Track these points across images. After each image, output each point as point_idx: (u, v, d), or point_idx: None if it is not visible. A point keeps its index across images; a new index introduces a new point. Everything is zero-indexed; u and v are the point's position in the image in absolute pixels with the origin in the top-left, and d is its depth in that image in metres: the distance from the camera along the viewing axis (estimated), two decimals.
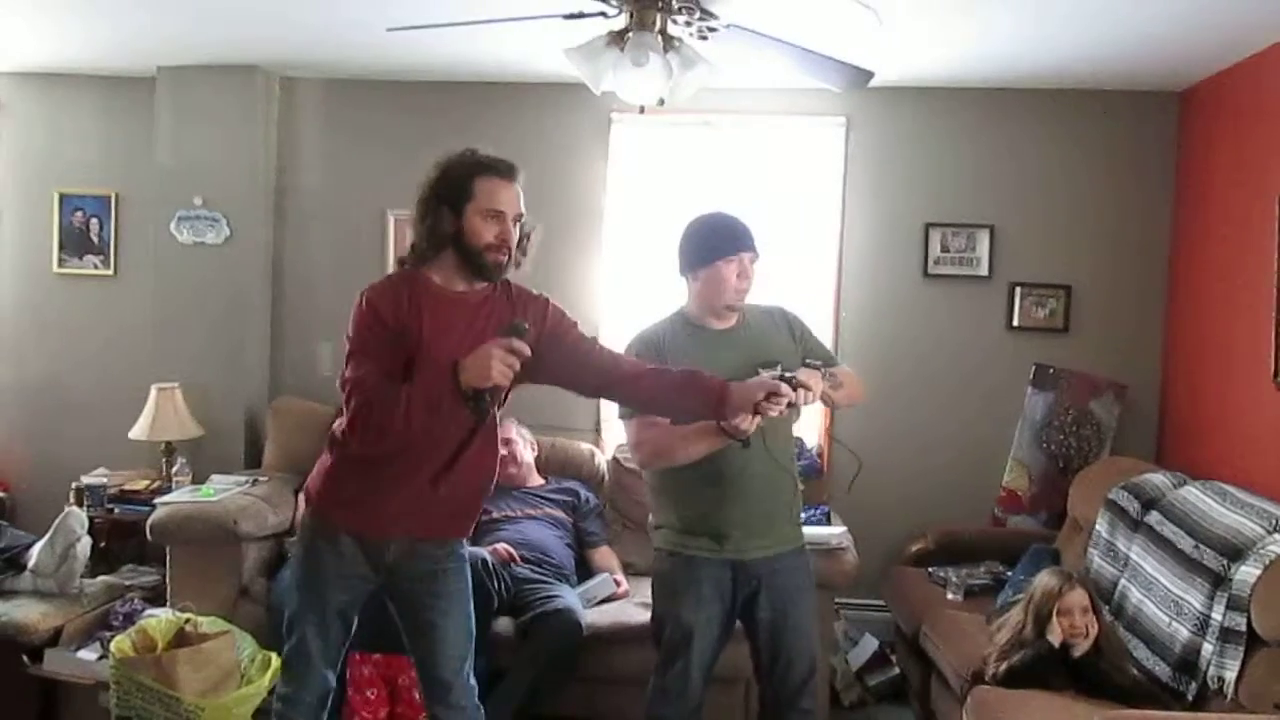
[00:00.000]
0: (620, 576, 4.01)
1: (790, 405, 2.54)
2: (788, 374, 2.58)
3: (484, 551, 3.71)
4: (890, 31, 3.57)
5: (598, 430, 4.74)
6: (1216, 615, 2.96)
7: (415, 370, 2.35)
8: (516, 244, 2.47)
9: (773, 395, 2.47)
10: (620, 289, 4.72)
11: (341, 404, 2.38)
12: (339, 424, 2.44)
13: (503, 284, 2.53)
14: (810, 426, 4.68)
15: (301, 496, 2.76)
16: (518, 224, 2.46)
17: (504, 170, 2.45)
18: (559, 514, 4.15)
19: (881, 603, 4.41)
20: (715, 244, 2.81)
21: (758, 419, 2.51)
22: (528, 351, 2.28)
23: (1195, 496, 3.40)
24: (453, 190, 2.42)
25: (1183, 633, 3.06)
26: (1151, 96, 4.50)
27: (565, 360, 2.54)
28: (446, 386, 2.26)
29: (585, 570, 4.06)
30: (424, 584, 2.55)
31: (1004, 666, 3.07)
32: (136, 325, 4.81)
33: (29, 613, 3.61)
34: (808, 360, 2.74)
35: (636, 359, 2.74)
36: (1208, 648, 2.96)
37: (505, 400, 2.59)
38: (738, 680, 3.58)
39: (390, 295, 2.42)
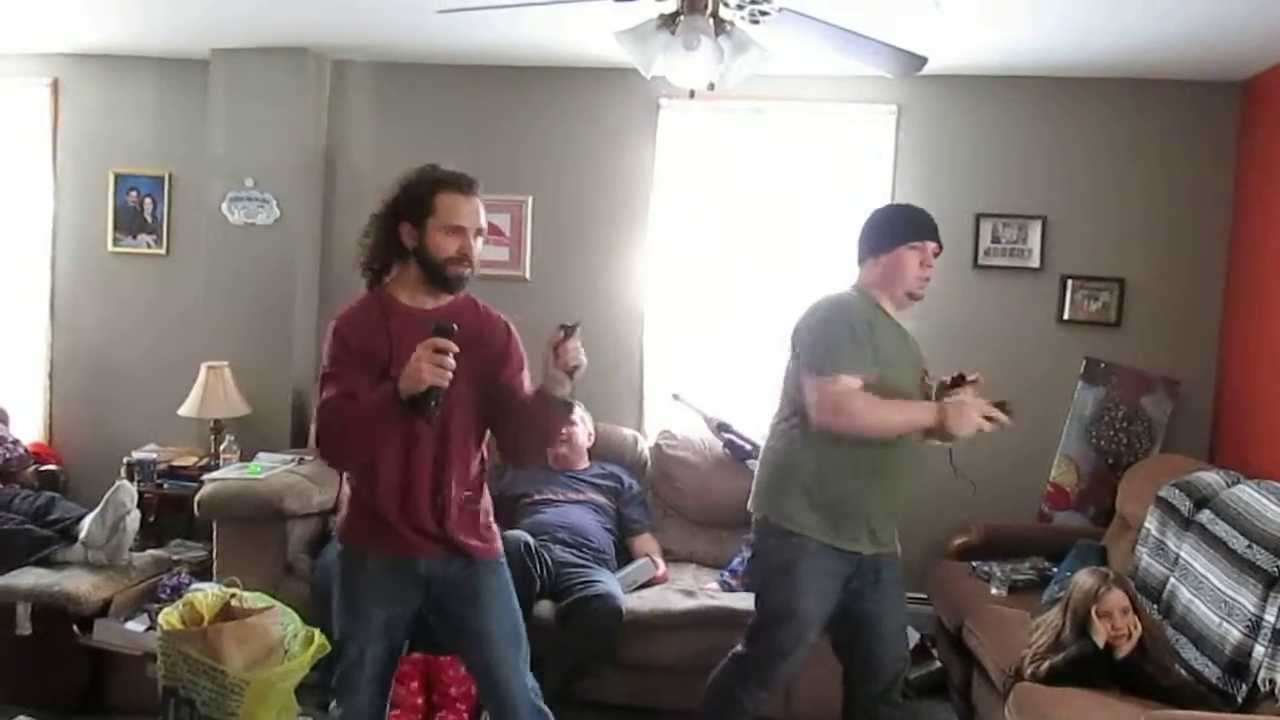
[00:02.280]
0: (659, 560, 4.01)
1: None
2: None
3: (526, 535, 3.72)
4: (944, 17, 3.51)
5: (640, 415, 4.73)
6: (1269, 617, 2.90)
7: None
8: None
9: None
10: (665, 277, 4.71)
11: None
12: None
13: (468, 299, 2.55)
14: None
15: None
16: (478, 237, 2.48)
17: (464, 185, 2.46)
18: (601, 499, 4.15)
19: (924, 596, 4.36)
20: (903, 229, 2.86)
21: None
22: (455, 347, 2.25)
23: (1249, 495, 3.33)
24: (414, 205, 2.44)
25: (1234, 634, 2.99)
26: (1211, 86, 4.39)
27: (500, 394, 2.52)
28: (386, 399, 2.29)
29: (625, 556, 4.07)
30: (462, 590, 2.53)
31: (1046, 666, 3.02)
32: (188, 304, 4.88)
33: (80, 583, 3.67)
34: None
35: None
36: (1259, 650, 2.90)
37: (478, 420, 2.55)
38: None
39: (358, 321, 2.47)
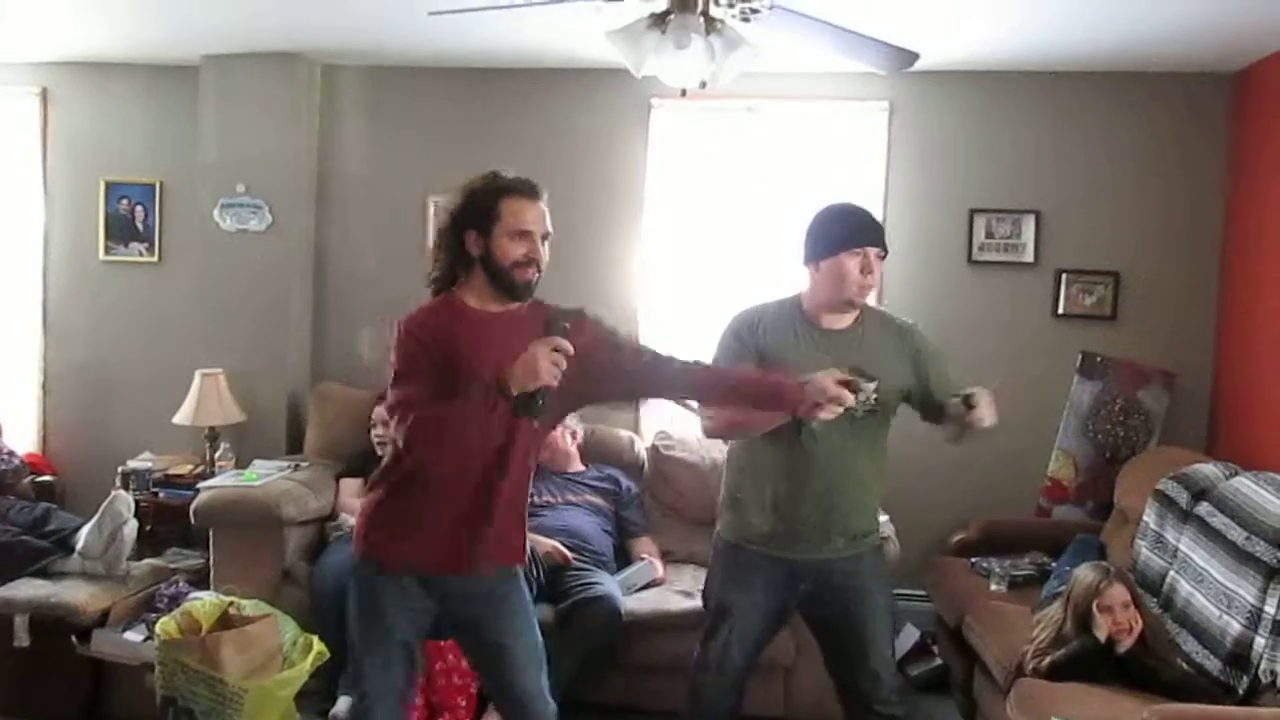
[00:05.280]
0: (658, 563, 4.00)
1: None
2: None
3: None
4: (935, 11, 3.51)
5: (636, 417, 4.73)
6: (1269, 608, 2.90)
7: (460, 390, 2.30)
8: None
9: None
10: (659, 276, 4.70)
11: (376, 439, 2.40)
12: (385, 459, 2.50)
13: (535, 304, 2.48)
14: None
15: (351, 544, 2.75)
16: (545, 242, 2.45)
17: (529, 190, 2.43)
18: (600, 501, 4.14)
19: (923, 593, 4.36)
20: (841, 234, 2.74)
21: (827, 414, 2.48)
22: (570, 349, 2.23)
23: (1248, 487, 3.32)
24: (479, 214, 2.41)
25: (1234, 626, 2.99)
26: (1203, 78, 4.40)
27: (602, 372, 2.48)
28: (493, 396, 2.23)
29: (624, 558, 4.06)
30: (485, 605, 2.50)
31: (1047, 661, 3.02)
32: (181, 311, 4.86)
33: (77, 594, 3.66)
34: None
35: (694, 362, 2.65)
36: (1260, 641, 2.90)
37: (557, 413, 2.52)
38: (775, 669, 3.57)
39: (427, 322, 2.42)
